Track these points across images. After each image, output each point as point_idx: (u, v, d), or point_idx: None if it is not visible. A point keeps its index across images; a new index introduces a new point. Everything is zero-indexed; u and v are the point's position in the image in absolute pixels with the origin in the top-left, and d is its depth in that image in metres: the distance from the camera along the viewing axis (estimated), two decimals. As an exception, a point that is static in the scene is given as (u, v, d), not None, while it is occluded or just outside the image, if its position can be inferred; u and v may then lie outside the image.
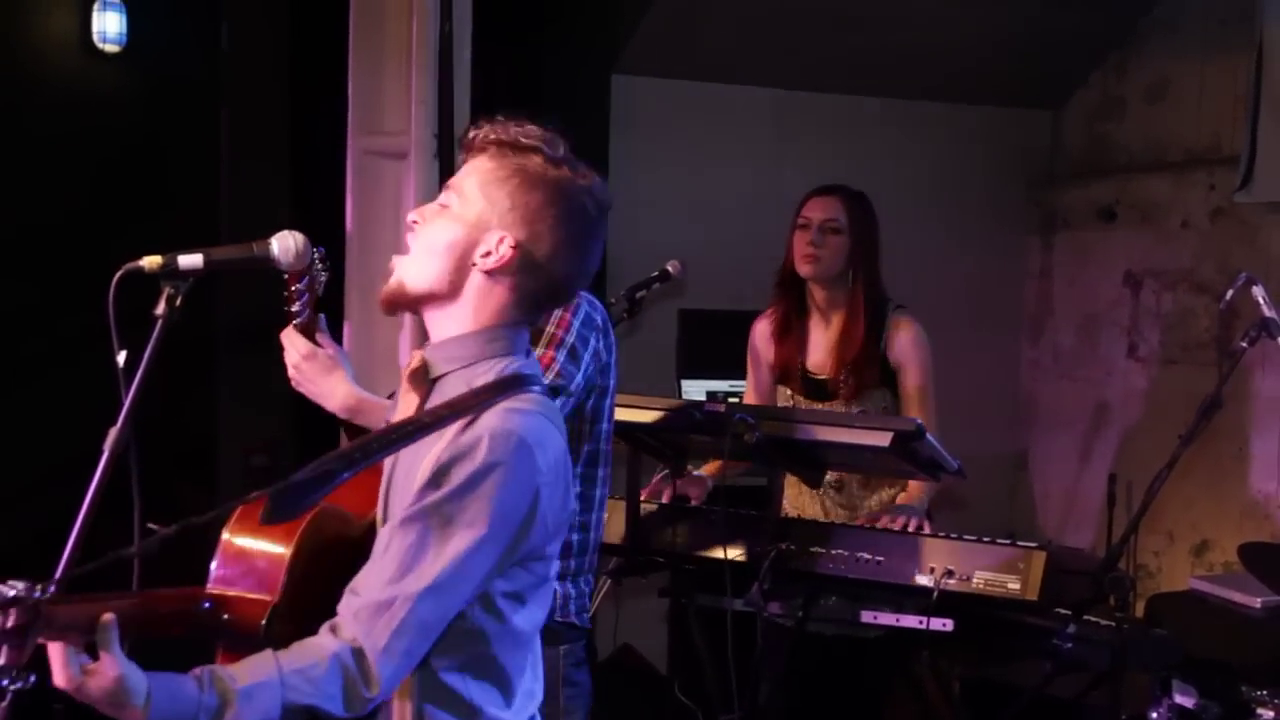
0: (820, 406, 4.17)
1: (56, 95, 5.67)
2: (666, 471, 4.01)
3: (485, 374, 2.24)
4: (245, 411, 5.51)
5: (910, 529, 3.81)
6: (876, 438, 3.53)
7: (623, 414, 3.46)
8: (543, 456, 2.18)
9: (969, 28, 6.11)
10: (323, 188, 5.02)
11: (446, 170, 4.62)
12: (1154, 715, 4.07)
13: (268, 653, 2.02)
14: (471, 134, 2.32)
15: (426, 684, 2.21)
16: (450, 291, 2.27)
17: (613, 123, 5.85)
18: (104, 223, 5.37)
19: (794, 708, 4.10)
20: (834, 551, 3.69)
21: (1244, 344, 3.65)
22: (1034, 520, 6.69)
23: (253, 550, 2.08)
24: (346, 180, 5.05)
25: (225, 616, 1.99)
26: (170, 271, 2.18)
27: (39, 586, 1.83)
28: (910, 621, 3.67)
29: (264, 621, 2.00)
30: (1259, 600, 4.68)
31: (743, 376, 4.44)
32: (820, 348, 4.22)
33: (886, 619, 3.73)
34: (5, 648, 1.81)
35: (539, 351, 3.04)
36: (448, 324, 2.30)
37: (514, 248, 2.24)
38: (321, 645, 2.05)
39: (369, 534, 2.26)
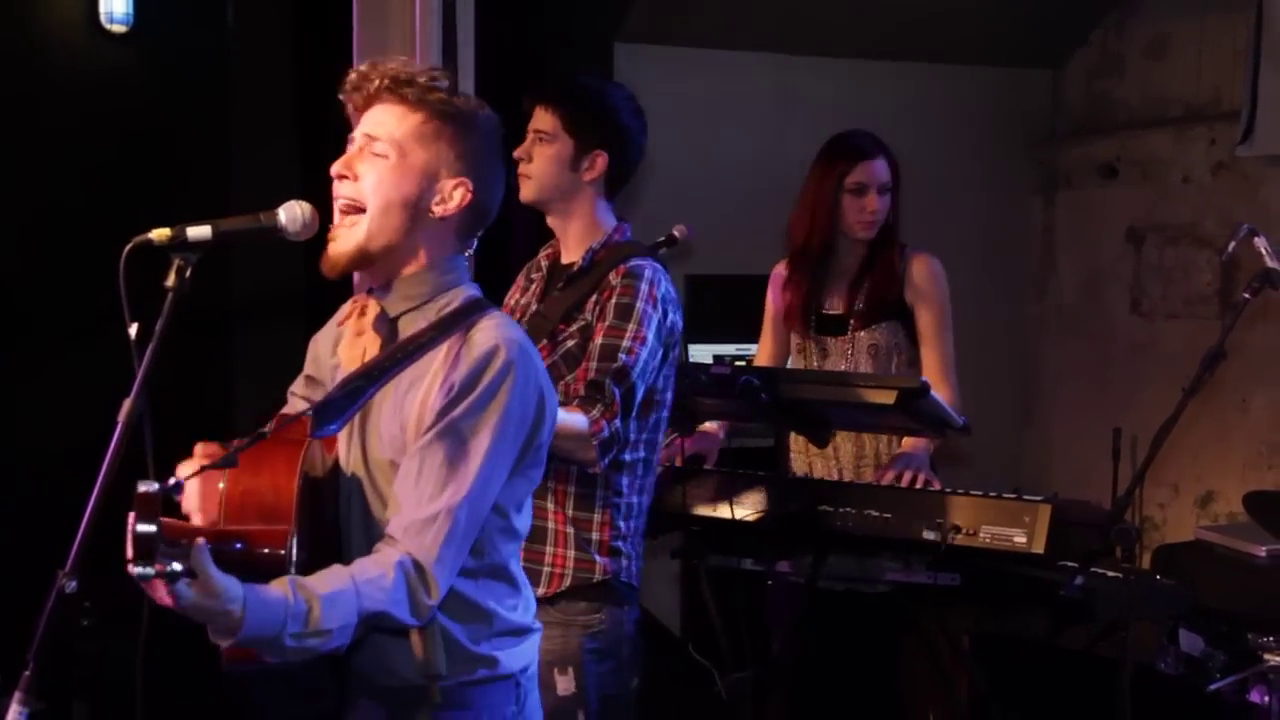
0: (831, 340, 4.14)
1: (65, 76, 5.70)
2: (675, 435, 4.02)
3: (450, 302, 2.37)
4: (259, 382, 5.55)
5: (918, 484, 3.84)
6: (881, 396, 3.56)
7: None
8: (538, 360, 2.34)
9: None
10: (332, 161, 5.05)
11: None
12: (1162, 664, 4.12)
13: (339, 566, 2.15)
14: (361, 81, 2.39)
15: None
16: (408, 242, 2.37)
17: (616, 91, 5.85)
18: (114, 202, 5.41)
19: (805, 665, 4.14)
20: (842, 509, 3.68)
21: (1247, 295, 3.64)
22: (1040, 476, 6.73)
23: (257, 488, 2.16)
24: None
25: (263, 551, 2.06)
26: (179, 243, 2.20)
27: (169, 481, 1.98)
28: (918, 577, 3.71)
29: (285, 549, 2.08)
30: (1264, 549, 4.72)
31: (750, 340, 4.40)
32: (838, 289, 4.18)
33: (895, 575, 3.78)
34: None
35: (630, 327, 3.12)
36: (400, 267, 2.39)
37: (471, 192, 2.37)
38: (384, 558, 2.19)
39: (334, 470, 2.40)
